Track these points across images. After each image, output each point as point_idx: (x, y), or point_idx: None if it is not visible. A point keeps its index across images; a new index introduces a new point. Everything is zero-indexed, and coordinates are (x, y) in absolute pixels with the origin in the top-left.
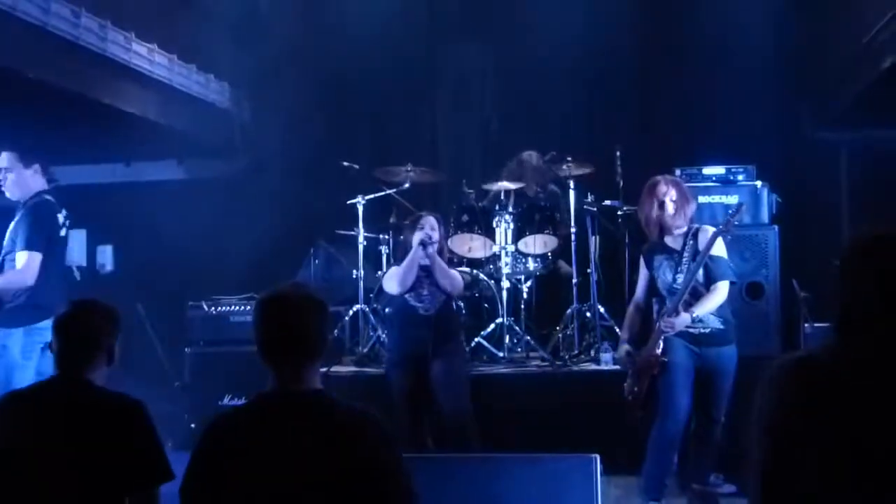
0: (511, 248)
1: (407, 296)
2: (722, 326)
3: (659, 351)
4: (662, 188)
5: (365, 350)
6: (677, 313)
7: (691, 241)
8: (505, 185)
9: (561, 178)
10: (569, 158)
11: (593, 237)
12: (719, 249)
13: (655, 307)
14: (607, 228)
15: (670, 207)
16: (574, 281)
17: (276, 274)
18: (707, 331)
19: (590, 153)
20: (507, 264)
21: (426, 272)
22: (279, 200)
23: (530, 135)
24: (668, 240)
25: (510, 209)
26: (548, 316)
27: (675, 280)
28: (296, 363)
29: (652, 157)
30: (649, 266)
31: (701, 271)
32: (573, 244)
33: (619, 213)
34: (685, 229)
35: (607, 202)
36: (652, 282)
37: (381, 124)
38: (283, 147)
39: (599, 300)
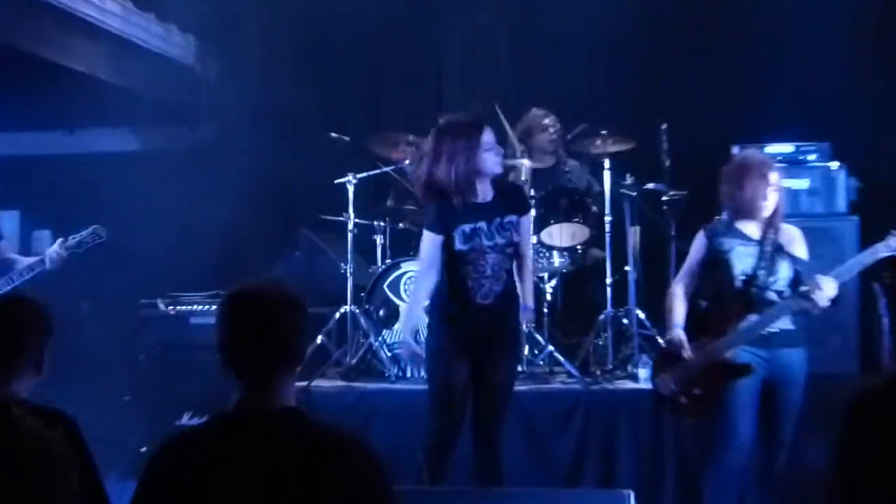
0: (534, 239)
1: (464, 271)
2: (793, 326)
3: (728, 355)
4: (775, 175)
5: (354, 361)
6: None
7: (772, 234)
8: (524, 162)
9: (593, 155)
10: (603, 132)
11: (632, 228)
12: (802, 250)
13: (702, 304)
14: (650, 217)
15: (773, 199)
16: (608, 280)
17: (247, 267)
18: (776, 330)
19: (629, 128)
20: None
21: (488, 237)
22: (252, 178)
23: (555, 107)
24: (741, 224)
25: (531, 192)
26: (576, 322)
27: (758, 272)
28: (266, 374)
29: (704, 133)
30: (716, 247)
31: (786, 269)
32: (607, 236)
33: (665, 198)
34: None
35: (650, 185)
36: (712, 265)
37: (376, 88)
38: (257, 114)
39: (639, 304)
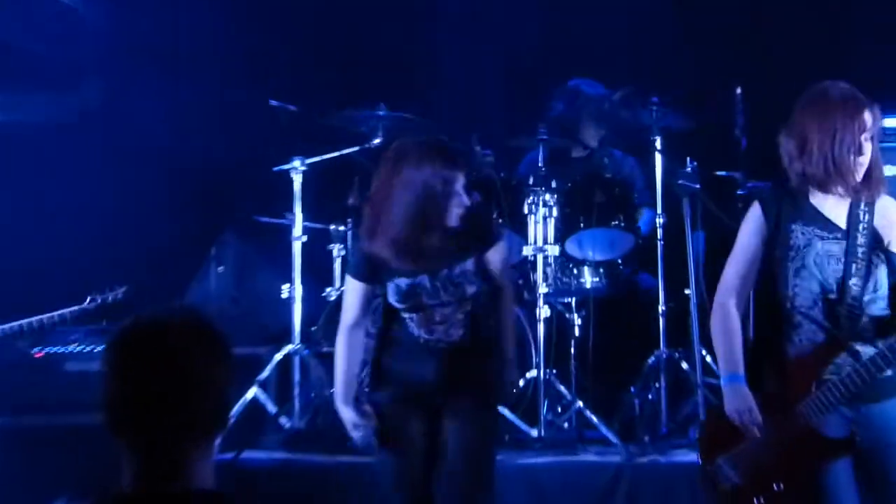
0: (554, 249)
1: (406, 316)
2: (891, 371)
3: (814, 420)
4: (870, 116)
5: (302, 423)
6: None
7: (866, 216)
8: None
9: (641, 131)
10: (654, 100)
11: (695, 233)
12: None
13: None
14: (719, 219)
15: (868, 151)
16: (661, 308)
17: (149, 291)
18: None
19: (689, 97)
20: (547, 278)
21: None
22: (157, 162)
23: (585, 68)
24: (818, 200)
25: (553, 184)
26: (615, 368)
27: (849, 283)
28: (172, 445)
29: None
30: (782, 233)
31: (883, 274)
32: (659, 245)
33: (741, 192)
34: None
35: (720, 173)
36: (776, 262)
37: (336, 41)
38: (164, 73)
39: (704, 341)
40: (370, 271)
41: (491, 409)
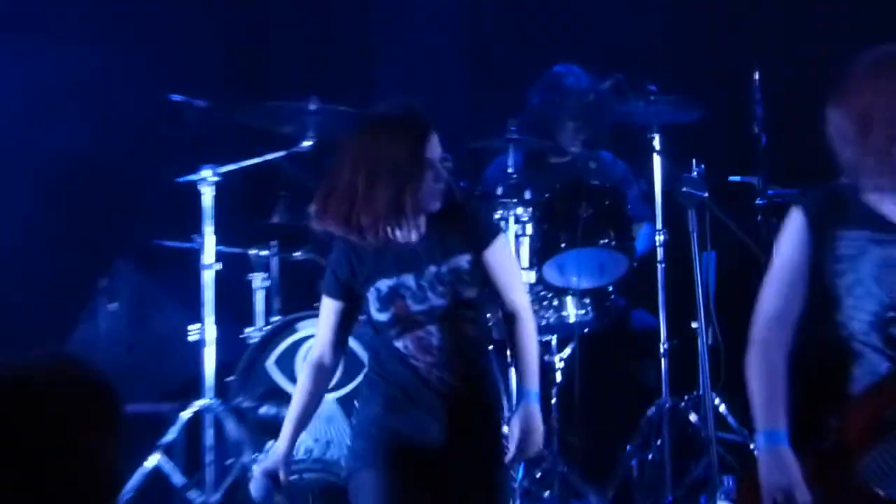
0: (529, 276)
1: (398, 343)
2: None
3: (879, 483)
4: None
5: (216, 498)
6: None
7: None
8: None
9: (636, 129)
10: (652, 89)
11: (704, 253)
12: None
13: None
14: (734, 234)
15: None
16: (663, 347)
17: (19, 331)
18: None
19: (695, 83)
20: None
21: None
22: (25, 173)
23: (568, 51)
24: (875, 198)
25: (528, 194)
26: (608, 420)
27: None
28: None
29: (823, 89)
30: (828, 243)
31: None
32: (660, 268)
33: (761, 201)
34: None
35: (734, 178)
36: (826, 281)
37: (256, 22)
38: (32, 56)
39: (718, 387)
40: (344, 284)
41: (502, 466)
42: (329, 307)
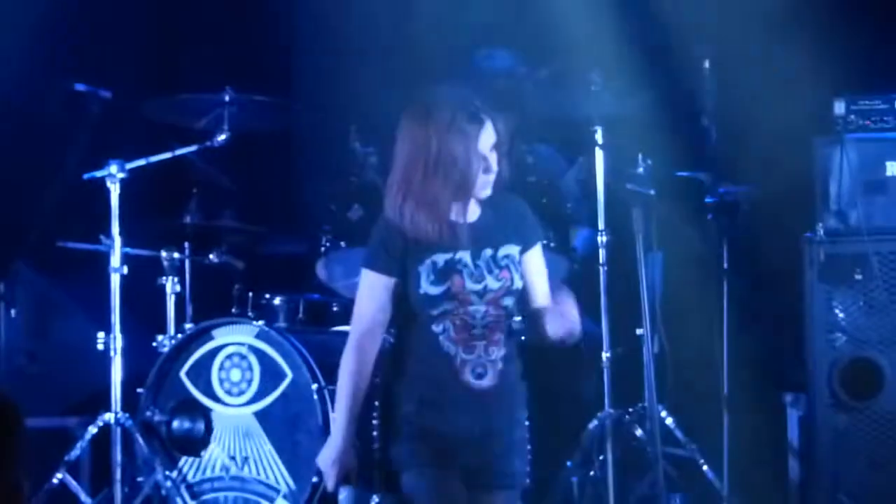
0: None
1: (437, 326)
2: None
3: None
4: None
5: None
6: None
7: None
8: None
9: (575, 121)
10: (594, 77)
11: (650, 255)
12: None
13: None
14: (682, 234)
15: None
16: (605, 356)
17: None
18: None
19: (640, 73)
20: None
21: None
22: None
23: (498, 37)
24: None
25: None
26: (546, 435)
27: None
28: None
29: (780, 76)
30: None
31: None
32: (602, 271)
33: (711, 200)
34: None
35: (682, 174)
36: None
37: (162, 5)
38: None
39: (664, 398)
40: (397, 258)
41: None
42: (377, 283)
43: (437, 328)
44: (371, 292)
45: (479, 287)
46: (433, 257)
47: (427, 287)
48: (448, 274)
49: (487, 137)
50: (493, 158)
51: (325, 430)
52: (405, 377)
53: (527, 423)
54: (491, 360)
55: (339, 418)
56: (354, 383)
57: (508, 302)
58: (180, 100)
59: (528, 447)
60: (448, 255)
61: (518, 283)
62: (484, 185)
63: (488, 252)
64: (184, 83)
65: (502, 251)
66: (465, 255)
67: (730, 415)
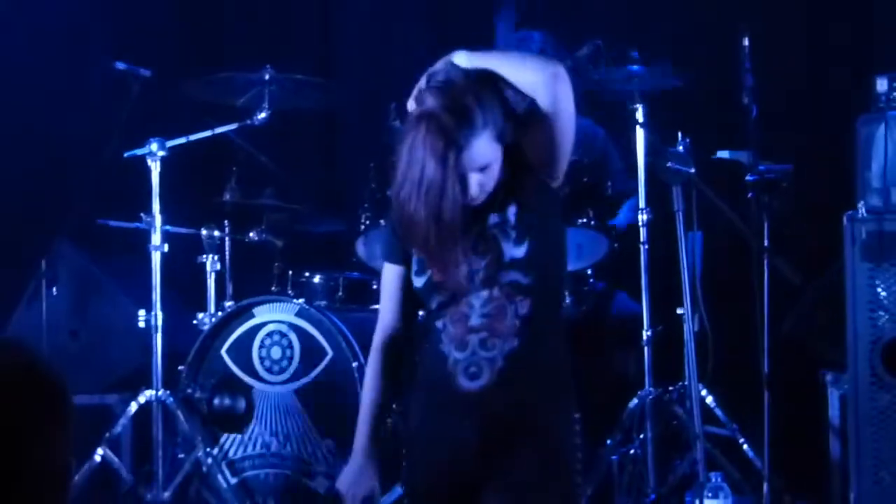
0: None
1: (438, 322)
2: None
3: None
4: None
5: (167, 495)
6: None
7: None
8: None
9: (615, 99)
10: (633, 55)
11: (690, 234)
12: None
13: None
14: (722, 214)
15: None
16: (645, 335)
17: None
18: None
19: (680, 50)
20: None
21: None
22: None
23: (541, 20)
24: None
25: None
26: (585, 413)
27: None
28: None
29: (824, 55)
30: None
31: None
32: (643, 249)
33: (751, 178)
34: None
35: (722, 154)
36: None
37: None
38: None
39: (704, 377)
40: (399, 245)
41: (564, 477)
42: (391, 274)
43: (439, 325)
44: (388, 284)
45: (462, 270)
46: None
47: (414, 279)
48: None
49: (477, 155)
50: (474, 181)
51: None
52: (414, 388)
53: (575, 422)
54: (488, 357)
55: (358, 433)
56: (378, 391)
57: (514, 277)
58: (220, 78)
59: (576, 457)
60: None
61: (515, 251)
62: (478, 191)
63: (475, 229)
64: (223, 61)
65: (492, 219)
66: None
67: (770, 394)
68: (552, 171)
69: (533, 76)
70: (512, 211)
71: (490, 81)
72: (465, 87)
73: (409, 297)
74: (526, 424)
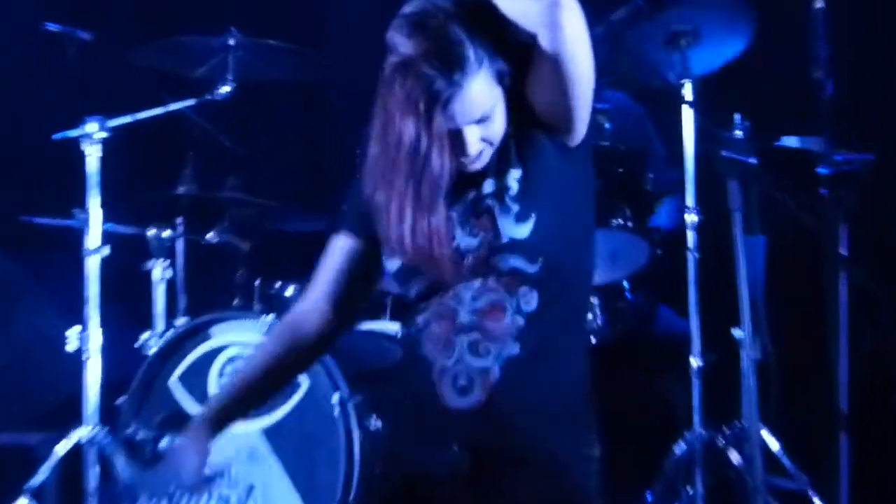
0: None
1: (420, 318)
2: None
3: None
4: None
5: None
6: None
7: None
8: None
9: (657, 74)
10: (685, 28)
11: (751, 238)
12: None
13: None
14: (790, 214)
15: None
16: (696, 364)
17: None
18: None
19: (738, 14)
20: None
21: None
22: None
23: None
24: None
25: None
26: (621, 459)
27: None
28: None
29: None
30: None
31: None
32: (692, 258)
33: (825, 170)
34: None
35: (789, 141)
36: None
37: None
38: None
39: (768, 416)
40: (364, 215)
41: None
42: (343, 246)
43: (419, 321)
44: (329, 257)
45: (447, 251)
46: None
47: (387, 262)
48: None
49: (473, 102)
50: (473, 136)
51: (349, 451)
52: (394, 402)
53: (591, 460)
54: (480, 367)
55: (220, 395)
56: (263, 367)
57: (515, 263)
58: (174, 43)
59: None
60: None
61: (517, 232)
62: (481, 156)
63: (470, 195)
64: (179, 23)
65: (493, 186)
66: (453, 212)
67: (850, 436)
68: (568, 125)
69: (524, 3)
70: (514, 176)
71: (477, 3)
72: (447, 16)
73: (353, 281)
74: (525, 458)
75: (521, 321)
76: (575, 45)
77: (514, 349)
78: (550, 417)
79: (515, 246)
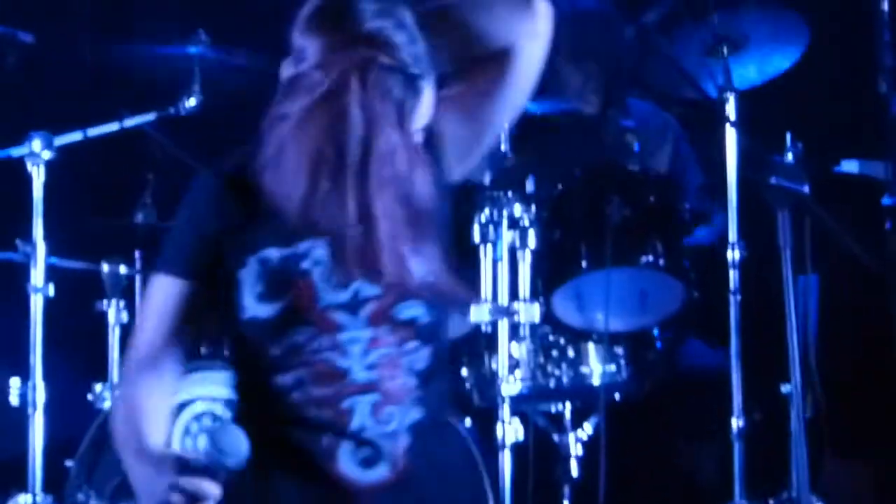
0: (532, 311)
1: (285, 378)
2: None
3: None
4: None
5: None
6: None
7: None
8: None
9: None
10: (726, 40)
11: (802, 278)
12: None
13: None
14: (847, 249)
15: None
16: (738, 423)
17: None
18: None
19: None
20: (518, 366)
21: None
22: None
23: None
24: None
25: (529, 186)
26: None
27: None
28: None
29: None
30: None
31: None
32: (733, 300)
33: (888, 200)
34: None
35: (848, 166)
36: None
37: None
38: None
39: (821, 484)
40: (199, 250)
41: None
42: (174, 291)
43: (285, 380)
44: (157, 302)
45: (344, 297)
46: (264, 252)
47: (253, 306)
48: (285, 279)
49: (423, 112)
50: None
51: None
52: (257, 476)
53: None
54: (388, 433)
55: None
56: (145, 411)
57: (413, 312)
58: (133, 49)
59: None
60: (287, 249)
61: (425, 271)
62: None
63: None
64: (138, 25)
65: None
66: (317, 244)
67: None
68: (468, 157)
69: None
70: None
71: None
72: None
73: (188, 324)
74: None
75: (414, 382)
76: (530, 70)
77: (416, 415)
78: (461, 485)
79: (420, 290)
